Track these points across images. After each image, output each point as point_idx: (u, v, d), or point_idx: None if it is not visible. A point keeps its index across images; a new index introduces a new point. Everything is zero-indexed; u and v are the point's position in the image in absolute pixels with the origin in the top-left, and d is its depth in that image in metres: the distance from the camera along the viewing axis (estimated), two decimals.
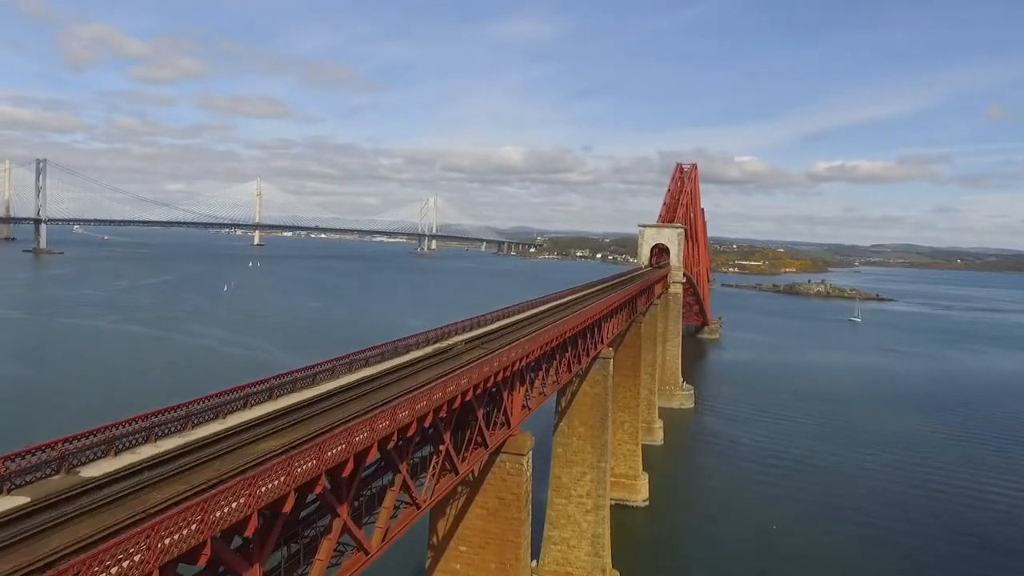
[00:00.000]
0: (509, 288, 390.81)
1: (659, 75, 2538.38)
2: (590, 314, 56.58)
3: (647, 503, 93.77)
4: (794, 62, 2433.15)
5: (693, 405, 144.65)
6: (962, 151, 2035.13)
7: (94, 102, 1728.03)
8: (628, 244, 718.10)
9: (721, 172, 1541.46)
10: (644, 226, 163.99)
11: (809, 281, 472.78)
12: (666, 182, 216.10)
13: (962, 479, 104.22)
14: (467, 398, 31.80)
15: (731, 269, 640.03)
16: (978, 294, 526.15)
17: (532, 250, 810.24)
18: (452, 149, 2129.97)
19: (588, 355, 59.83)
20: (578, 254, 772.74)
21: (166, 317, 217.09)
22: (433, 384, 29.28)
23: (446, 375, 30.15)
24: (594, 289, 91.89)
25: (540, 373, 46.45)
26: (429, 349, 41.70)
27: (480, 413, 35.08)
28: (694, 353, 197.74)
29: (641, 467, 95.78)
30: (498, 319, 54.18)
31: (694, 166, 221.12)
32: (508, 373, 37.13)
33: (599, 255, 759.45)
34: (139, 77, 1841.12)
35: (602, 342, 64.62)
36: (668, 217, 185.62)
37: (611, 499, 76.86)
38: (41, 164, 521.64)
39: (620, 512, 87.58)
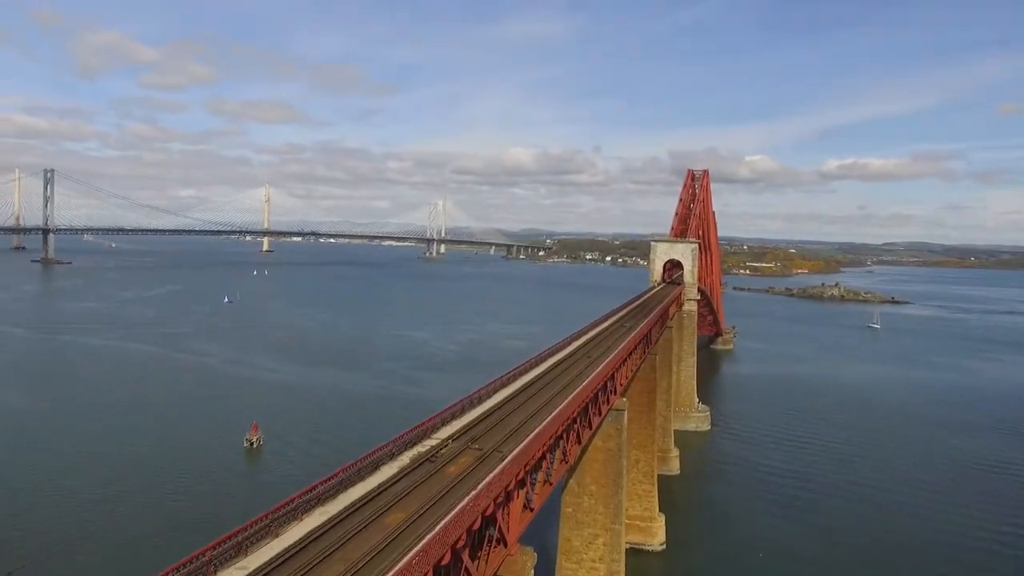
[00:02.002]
0: (518, 295, 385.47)
1: (668, 74, 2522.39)
2: (603, 375, 50.70)
3: (664, 547, 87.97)
4: (804, 59, 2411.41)
5: (709, 427, 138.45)
6: (976, 147, 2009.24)
7: (107, 109, 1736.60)
8: (638, 246, 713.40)
9: (732, 171, 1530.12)
10: (657, 241, 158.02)
11: (823, 284, 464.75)
12: (676, 182, 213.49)
13: (1002, 518, 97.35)
14: (444, 562, 25.02)
15: (742, 271, 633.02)
16: (995, 295, 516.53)
17: (541, 253, 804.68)
18: (462, 151, 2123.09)
19: (600, 414, 54.02)
20: (588, 257, 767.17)
21: (168, 333, 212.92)
22: (397, 561, 21.83)
23: (423, 512, 24.11)
24: (603, 327, 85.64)
25: (544, 463, 40.32)
26: (406, 459, 34.50)
27: (466, 553, 28.27)
28: (708, 366, 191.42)
29: (657, 508, 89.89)
30: (495, 391, 47.37)
31: (705, 172, 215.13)
32: (504, 495, 30.73)
33: (609, 258, 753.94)
34: (151, 83, 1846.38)
35: (615, 392, 58.90)
36: (680, 228, 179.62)
37: (626, 543, 71.42)
38: (49, 174, 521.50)
39: (635, 557, 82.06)
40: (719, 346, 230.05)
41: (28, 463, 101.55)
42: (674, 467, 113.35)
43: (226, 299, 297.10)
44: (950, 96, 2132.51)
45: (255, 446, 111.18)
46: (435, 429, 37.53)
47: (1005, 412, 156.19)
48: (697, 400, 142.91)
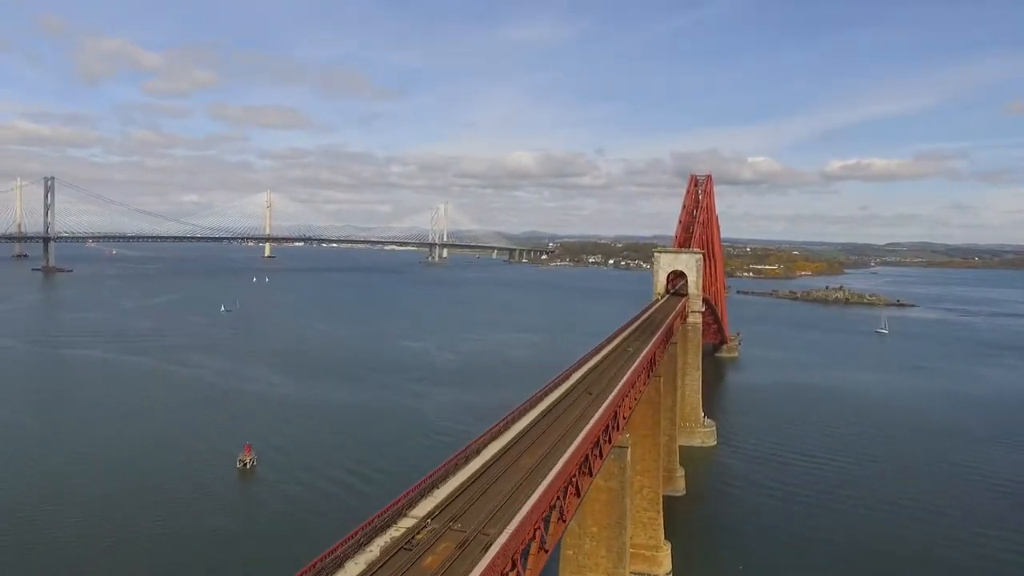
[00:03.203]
0: (520, 300, 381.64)
1: (670, 76, 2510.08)
2: (606, 415, 47.16)
3: None
4: (805, 60, 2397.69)
5: (716, 442, 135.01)
6: (979, 146, 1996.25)
7: (110, 115, 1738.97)
8: (641, 249, 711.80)
9: (735, 173, 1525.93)
10: (661, 251, 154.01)
11: (827, 287, 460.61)
12: (679, 184, 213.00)
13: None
14: None
15: (746, 273, 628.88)
16: (999, 296, 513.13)
17: (544, 257, 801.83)
18: (464, 154, 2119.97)
19: (601, 456, 50.63)
20: (590, 260, 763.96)
21: (164, 345, 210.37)
22: None
23: None
24: (605, 352, 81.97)
25: (538, 532, 36.63)
26: (375, 551, 29.54)
27: None
28: (713, 376, 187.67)
29: (663, 535, 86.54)
30: (484, 445, 43.01)
31: (709, 177, 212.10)
32: None
33: (611, 261, 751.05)
34: (154, 89, 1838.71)
35: (617, 429, 55.56)
36: (684, 237, 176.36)
37: (631, 573, 68.24)
38: (49, 182, 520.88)
39: None
40: (724, 354, 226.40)
41: (4, 485, 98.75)
42: (680, 487, 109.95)
43: (223, 308, 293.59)
44: (952, 96, 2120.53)
45: (248, 467, 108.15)
46: (413, 504, 33.34)
47: (1017, 421, 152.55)
48: (702, 414, 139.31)
